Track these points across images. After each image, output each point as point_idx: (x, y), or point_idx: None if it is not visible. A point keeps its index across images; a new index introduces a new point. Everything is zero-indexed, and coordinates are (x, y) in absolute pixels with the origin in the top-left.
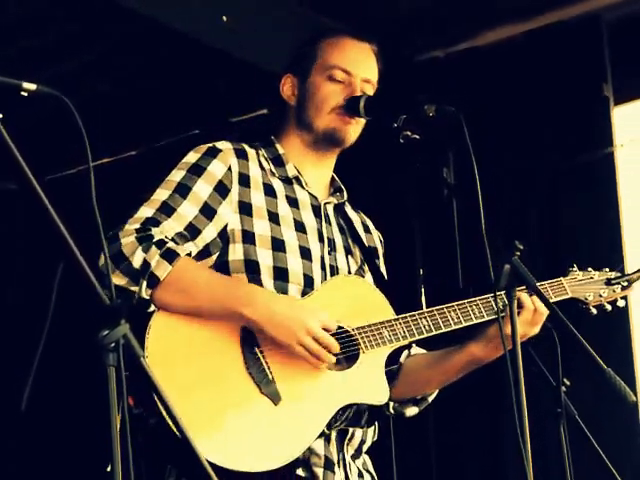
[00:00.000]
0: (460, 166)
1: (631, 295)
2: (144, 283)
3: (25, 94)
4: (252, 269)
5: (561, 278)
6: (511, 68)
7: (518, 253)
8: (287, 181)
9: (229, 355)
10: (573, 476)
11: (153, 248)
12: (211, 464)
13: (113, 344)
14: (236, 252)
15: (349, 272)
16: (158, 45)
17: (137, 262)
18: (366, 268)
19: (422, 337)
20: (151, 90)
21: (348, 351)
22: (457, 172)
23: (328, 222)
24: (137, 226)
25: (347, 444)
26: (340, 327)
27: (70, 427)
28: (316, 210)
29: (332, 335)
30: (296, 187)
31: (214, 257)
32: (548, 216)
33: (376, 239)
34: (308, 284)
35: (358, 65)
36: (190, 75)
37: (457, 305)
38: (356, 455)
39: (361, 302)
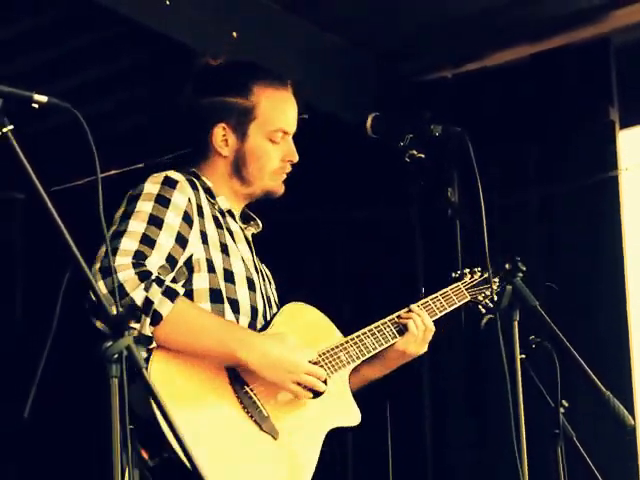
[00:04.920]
0: (465, 186)
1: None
2: (147, 320)
3: (36, 106)
4: (216, 298)
5: (459, 283)
6: (518, 89)
7: (520, 274)
8: (222, 214)
9: (224, 395)
10: None
11: (154, 286)
12: None
13: (116, 355)
14: (201, 281)
15: (275, 301)
16: (168, 61)
17: (139, 299)
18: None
19: (370, 355)
20: (159, 105)
21: None
22: (461, 191)
23: (255, 253)
24: (131, 260)
25: None
26: None
27: (73, 434)
28: (247, 241)
29: None
30: (229, 220)
31: (180, 284)
32: (550, 238)
33: None
34: (254, 316)
35: (292, 123)
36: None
37: (389, 321)
38: None
39: (314, 328)
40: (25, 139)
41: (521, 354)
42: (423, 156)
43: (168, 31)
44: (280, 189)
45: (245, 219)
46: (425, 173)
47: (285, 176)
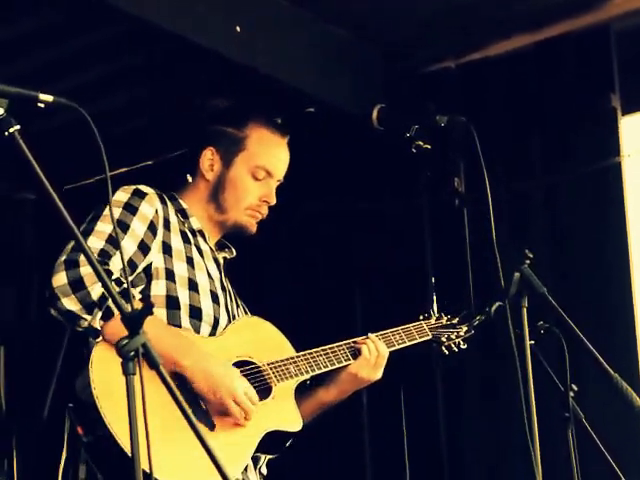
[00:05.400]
0: (471, 175)
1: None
2: (99, 314)
3: (42, 105)
4: (172, 305)
5: (422, 322)
6: (520, 78)
7: (528, 261)
8: (192, 232)
9: (163, 386)
10: (581, 479)
11: (113, 284)
12: None
13: (133, 353)
14: (159, 288)
15: None
16: (173, 57)
17: (96, 294)
18: None
19: (320, 372)
20: (165, 101)
21: (262, 384)
22: (467, 181)
23: (225, 274)
24: (96, 257)
25: (258, 469)
26: (252, 362)
27: None
28: (216, 262)
29: (247, 370)
30: (199, 239)
31: (137, 290)
32: (554, 226)
33: None
34: (215, 325)
35: (280, 168)
36: (204, 86)
37: (344, 345)
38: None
39: (266, 340)
40: (33, 139)
41: (530, 340)
42: (429, 147)
43: (169, 27)
44: (252, 228)
45: (220, 246)
46: (432, 164)
47: (260, 217)
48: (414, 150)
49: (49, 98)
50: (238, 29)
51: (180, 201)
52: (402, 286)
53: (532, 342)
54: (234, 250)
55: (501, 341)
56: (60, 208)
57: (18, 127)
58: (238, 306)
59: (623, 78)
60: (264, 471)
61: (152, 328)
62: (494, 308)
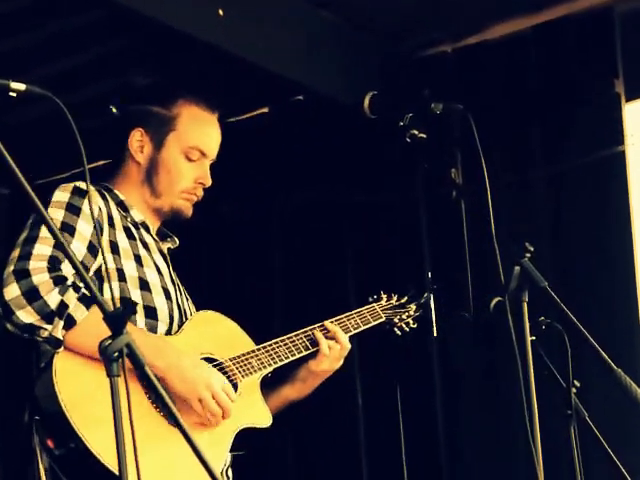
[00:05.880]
0: (468, 165)
1: None
2: (60, 323)
3: (14, 95)
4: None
5: (374, 304)
6: (520, 63)
7: (528, 255)
8: (135, 226)
9: (132, 389)
10: (584, 478)
11: (70, 291)
12: None
13: (116, 354)
14: (112, 290)
15: (191, 313)
16: (151, 41)
17: (53, 303)
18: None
19: (282, 363)
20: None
21: (227, 380)
22: (465, 171)
23: (172, 266)
24: (46, 265)
25: (225, 472)
26: (214, 359)
27: None
28: (162, 254)
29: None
30: (143, 232)
31: None
32: (555, 217)
33: None
34: (170, 323)
35: (213, 147)
36: (186, 73)
37: (302, 334)
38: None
39: (225, 335)
40: (7, 130)
41: (531, 336)
42: (425, 136)
43: (152, 13)
44: (188, 212)
45: (162, 236)
46: (428, 154)
47: (195, 199)
48: (409, 140)
49: (21, 87)
50: (221, 12)
51: (116, 192)
52: (398, 281)
53: (533, 338)
54: (177, 240)
55: (501, 337)
56: (36, 203)
57: None
58: (188, 299)
59: (627, 63)
60: (230, 474)
61: None
62: (494, 303)
